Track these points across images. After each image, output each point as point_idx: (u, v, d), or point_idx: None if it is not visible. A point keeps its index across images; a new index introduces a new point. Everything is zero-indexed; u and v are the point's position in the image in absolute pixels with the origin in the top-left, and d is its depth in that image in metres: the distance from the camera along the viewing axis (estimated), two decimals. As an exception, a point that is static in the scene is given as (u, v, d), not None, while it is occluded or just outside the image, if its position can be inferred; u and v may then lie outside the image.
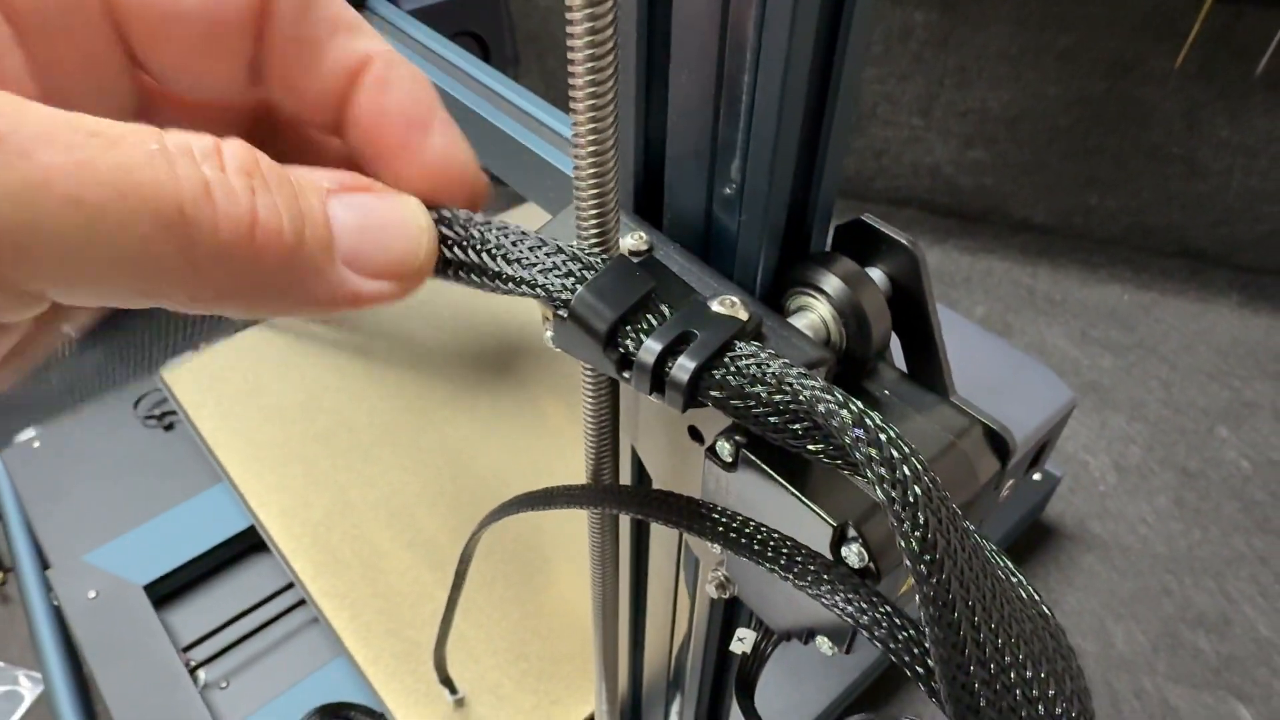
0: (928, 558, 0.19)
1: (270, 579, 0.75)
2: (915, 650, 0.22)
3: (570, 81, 0.21)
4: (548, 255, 0.21)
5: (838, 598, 0.23)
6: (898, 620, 0.22)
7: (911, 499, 0.19)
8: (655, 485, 0.33)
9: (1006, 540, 0.85)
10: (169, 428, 0.85)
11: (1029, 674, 0.20)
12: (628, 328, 0.22)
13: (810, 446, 0.21)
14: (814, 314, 0.26)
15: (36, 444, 0.84)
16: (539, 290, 0.22)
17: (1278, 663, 0.80)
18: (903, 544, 0.19)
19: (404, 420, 0.81)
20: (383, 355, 0.87)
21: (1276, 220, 1.12)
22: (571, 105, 0.21)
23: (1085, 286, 1.17)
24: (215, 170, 0.14)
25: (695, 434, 0.29)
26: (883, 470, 0.19)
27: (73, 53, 0.16)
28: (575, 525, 0.73)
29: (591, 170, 0.22)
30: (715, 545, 0.29)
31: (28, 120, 0.13)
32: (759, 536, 0.25)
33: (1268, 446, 0.98)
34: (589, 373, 0.29)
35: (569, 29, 0.20)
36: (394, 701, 0.63)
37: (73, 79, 0.16)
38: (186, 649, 0.70)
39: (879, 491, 0.19)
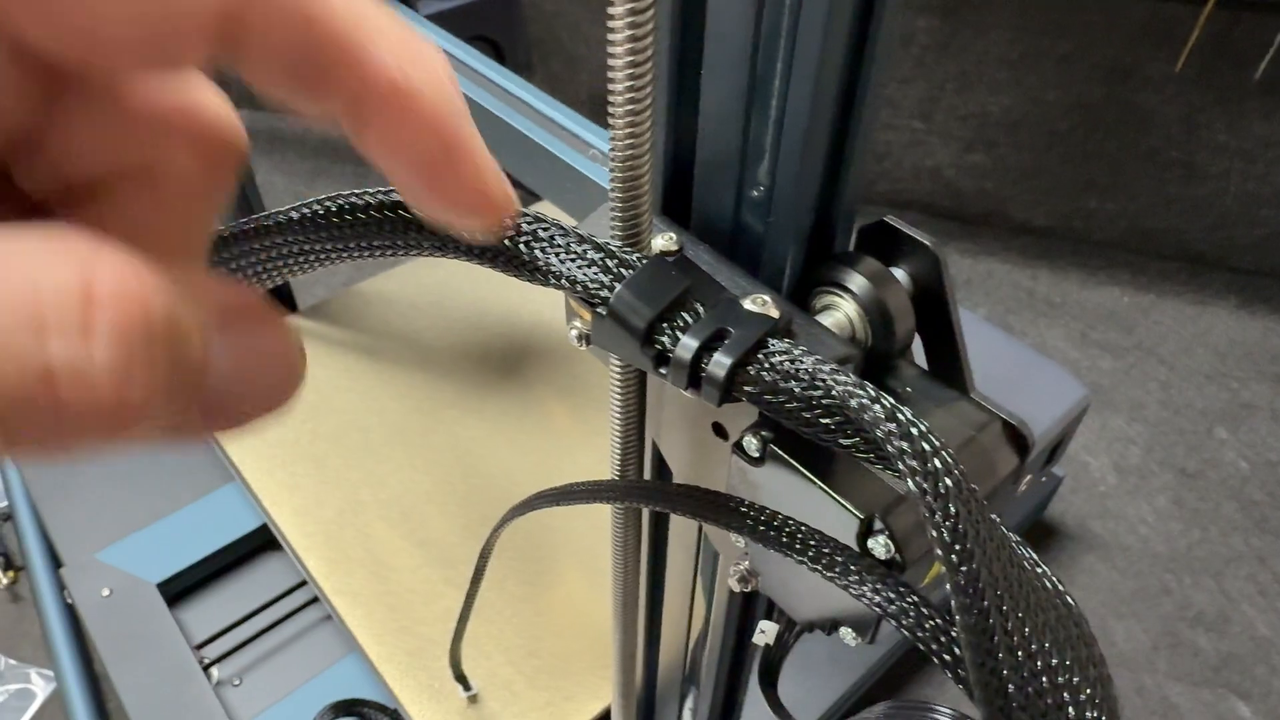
0: (959, 547, 0.19)
1: (282, 577, 0.76)
2: (942, 639, 0.23)
3: (610, 89, 0.22)
4: (587, 252, 0.22)
5: (865, 588, 0.24)
6: (925, 610, 0.23)
7: (943, 490, 0.19)
8: (676, 480, 0.34)
9: (1009, 539, 0.86)
10: (178, 427, 0.86)
11: (1054, 661, 0.21)
12: (665, 325, 0.22)
13: (842, 440, 0.22)
14: (840, 312, 0.27)
15: (46, 443, 0.84)
16: (577, 286, 0.22)
17: (1276, 660, 0.81)
18: (934, 534, 0.19)
19: (414, 420, 0.82)
20: (392, 356, 0.88)
21: (1274, 223, 1.13)
22: (610, 112, 0.22)
23: (1085, 289, 1.18)
24: (72, 344, 0.10)
25: (719, 430, 0.30)
26: (915, 463, 0.19)
27: None
28: (586, 523, 0.74)
29: (627, 174, 0.22)
30: (742, 539, 0.29)
31: None
32: (788, 529, 0.26)
33: (1265, 447, 0.99)
34: (618, 371, 0.29)
35: (610, 37, 0.21)
36: (407, 698, 0.64)
37: None
38: (200, 646, 0.71)
39: (911, 484, 0.20)
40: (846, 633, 0.28)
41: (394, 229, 0.21)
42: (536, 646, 0.67)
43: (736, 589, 0.32)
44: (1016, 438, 0.27)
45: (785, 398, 0.22)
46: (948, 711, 0.25)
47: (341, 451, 0.79)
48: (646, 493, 0.31)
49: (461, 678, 0.62)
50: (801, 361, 0.22)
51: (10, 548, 0.88)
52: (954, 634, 0.22)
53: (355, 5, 0.13)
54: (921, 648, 0.23)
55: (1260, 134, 1.06)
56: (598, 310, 0.22)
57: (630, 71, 0.21)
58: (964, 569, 0.19)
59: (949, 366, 0.28)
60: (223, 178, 0.15)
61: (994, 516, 0.21)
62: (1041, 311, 1.16)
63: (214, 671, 0.70)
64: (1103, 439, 1.00)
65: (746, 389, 0.22)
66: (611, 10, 0.20)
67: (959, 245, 1.24)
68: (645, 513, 0.39)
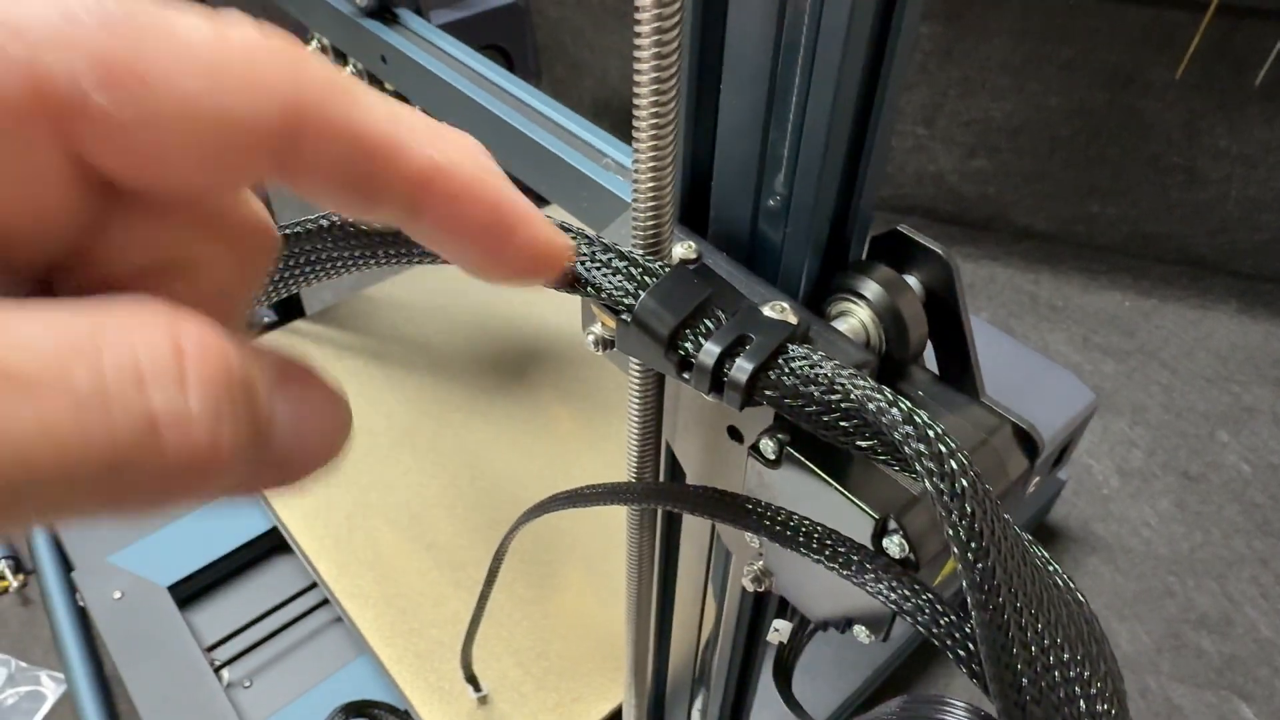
0: (974, 545, 0.20)
1: (293, 579, 0.76)
2: (956, 635, 0.23)
3: (635, 103, 0.22)
4: (612, 260, 0.23)
5: (881, 586, 0.25)
6: (939, 607, 0.24)
7: (959, 490, 0.20)
8: (690, 482, 0.35)
9: (1013, 542, 0.87)
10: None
11: (1066, 656, 0.22)
12: (688, 331, 0.23)
13: (860, 443, 0.23)
14: (855, 319, 0.27)
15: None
16: (602, 294, 0.23)
17: (1279, 662, 0.82)
18: (950, 533, 0.20)
19: (422, 424, 0.83)
20: (400, 360, 0.89)
21: (1274, 228, 1.14)
22: (635, 127, 0.22)
23: (1087, 293, 1.19)
24: (170, 394, 0.11)
25: (734, 433, 0.31)
26: (931, 464, 0.20)
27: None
28: (594, 527, 0.75)
29: (651, 187, 0.23)
30: (758, 539, 0.30)
31: None
32: (804, 529, 0.27)
33: (1267, 450, 1.00)
34: (637, 375, 0.30)
35: (636, 55, 0.21)
36: (418, 699, 0.64)
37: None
38: (210, 649, 0.71)
39: (928, 484, 0.20)
40: (861, 630, 0.29)
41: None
42: (545, 648, 0.68)
43: (751, 589, 0.33)
44: (1026, 441, 0.28)
45: (805, 401, 0.22)
46: (962, 705, 0.25)
47: (350, 455, 0.79)
48: (665, 494, 0.32)
49: (472, 679, 0.62)
50: (821, 367, 0.22)
51: (20, 551, 0.88)
52: (968, 630, 0.23)
53: (389, 109, 0.14)
54: (936, 643, 0.24)
55: (1261, 139, 1.07)
56: (623, 317, 0.23)
57: (655, 89, 0.21)
58: (979, 566, 0.20)
59: (960, 371, 0.29)
60: (259, 270, 0.15)
61: (1007, 516, 0.22)
62: (1044, 315, 1.16)
63: (225, 673, 0.71)
64: (1105, 442, 1.00)
65: (768, 393, 0.23)
66: (638, 30, 0.21)
67: (962, 250, 1.25)
68: (659, 514, 0.40)
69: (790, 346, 0.23)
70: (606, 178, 0.43)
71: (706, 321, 0.23)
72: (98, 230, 0.13)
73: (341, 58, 0.60)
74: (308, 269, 0.24)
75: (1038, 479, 0.31)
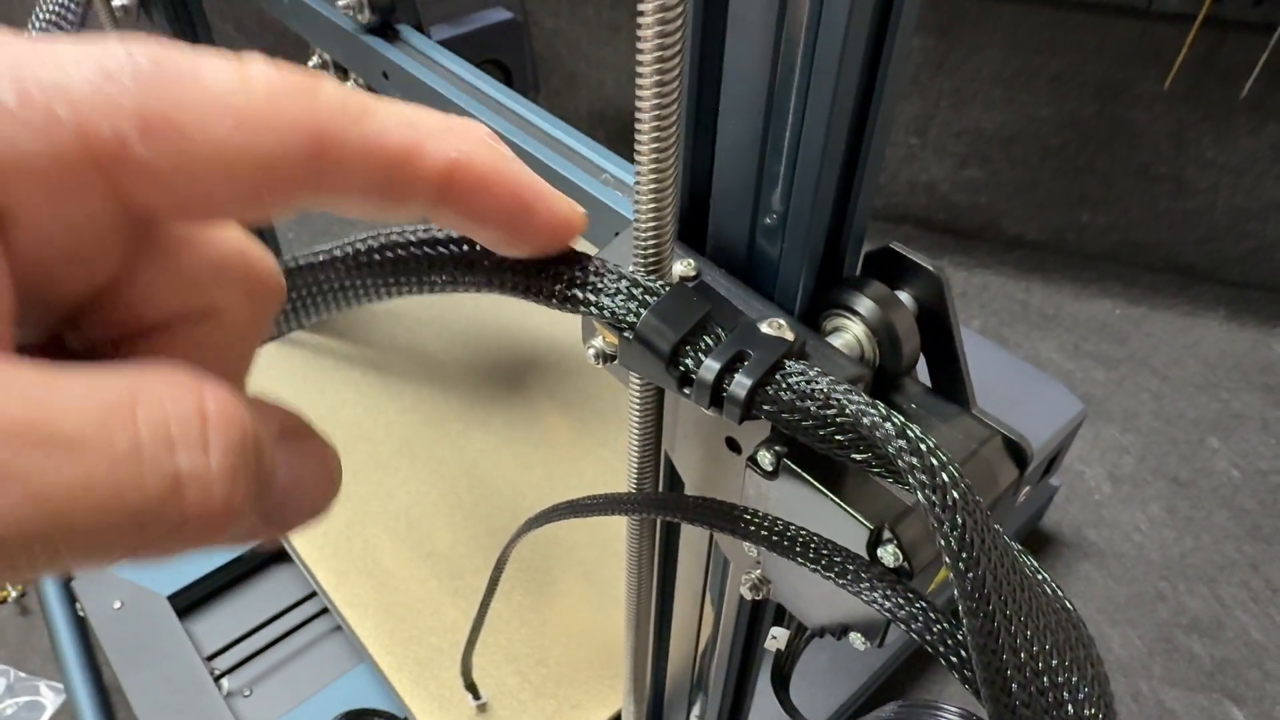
0: (965, 554, 0.21)
1: (292, 588, 0.77)
2: (949, 641, 0.24)
3: (636, 127, 0.23)
4: (613, 282, 0.23)
5: (876, 594, 0.26)
6: (932, 614, 0.25)
7: (950, 502, 0.21)
8: (689, 492, 0.35)
9: (1006, 548, 0.88)
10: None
11: (1055, 661, 0.22)
12: (688, 348, 0.24)
13: (855, 455, 0.23)
14: (849, 334, 0.28)
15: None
16: (605, 313, 0.24)
17: (1269, 665, 0.83)
18: (942, 543, 0.21)
19: (420, 433, 0.83)
20: (398, 370, 0.89)
21: (1261, 237, 1.16)
22: (636, 150, 0.23)
23: (1077, 301, 1.21)
24: (195, 457, 0.12)
25: (733, 445, 0.31)
26: (924, 477, 0.21)
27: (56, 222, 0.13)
28: (593, 535, 0.75)
29: (652, 206, 0.24)
30: (756, 548, 0.31)
31: None
32: (801, 539, 0.27)
33: (1256, 456, 1.01)
34: (638, 388, 0.31)
35: (638, 82, 0.22)
36: (418, 707, 0.65)
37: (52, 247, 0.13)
38: (210, 658, 0.72)
39: (920, 496, 0.21)
40: (856, 637, 0.30)
41: (436, 266, 0.23)
42: (544, 656, 0.68)
43: (748, 597, 0.34)
44: (1016, 451, 0.29)
45: (801, 416, 0.23)
46: (955, 710, 0.26)
47: (349, 464, 0.80)
48: (664, 504, 0.33)
49: (471, 686, 0.63)
50: (816, 382, 0.23)
51: (19, 561, 0.88)
52: (960, 636, 0.24)
53: (402, 115, 0.15)
54: (929, 649, 0.24)
55: (1247, 150, 1.08)
56: (625, 334, 0.24)
57: (657, 112, 0.22)
58: (970, 575, 0.21)
59: (952, 383, 0.30)
60: (268, 316, 0.17)
61: (997, 526, 0.23)
62: (1035, 323, 1.18)
63: (225, 682, 0.71)
64: (1097, 449, 1.01)
65: (766, 408, 0.24)
66: (640, 58, 0.22)
67: (954, 259, 1.26)
68: (658, 524, 0.41)
69: (787, 362, 0.24)
70: (605, 193, 0.44)
71: (706, 338, 0.24)
72: (127, 273, 0.14)
73: (343, 73, 0.61)
74: (308, 305, 0.25)
75: (1028, 488, 0.31)
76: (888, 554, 0.26)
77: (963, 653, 0.24)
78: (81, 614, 0.75)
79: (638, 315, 0.23)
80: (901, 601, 0.25)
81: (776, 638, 0.35)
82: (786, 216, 0.27)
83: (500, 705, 0.65)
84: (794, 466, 0.28)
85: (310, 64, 0.64)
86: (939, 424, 0.29)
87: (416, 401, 0.86)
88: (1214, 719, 0.79)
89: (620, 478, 0.34)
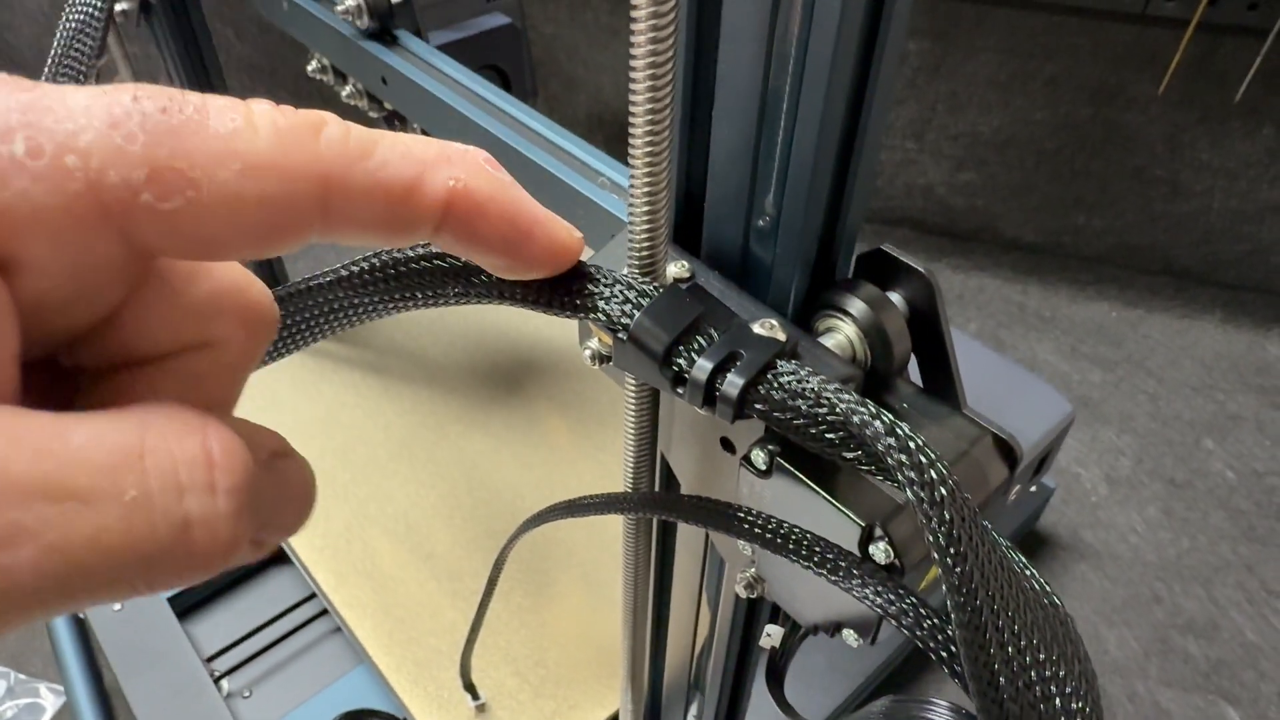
0: (953, 550, 0.21)
1: (292, 590, 0.77)
2: (939, 636, 0.25)
3: (630, 131, 0.24)
4: (607, 285, 0.24)
5: (868, 591, 0.26)
6: (923, 610, 0.25)
7: (939, 499, 0.21)
8: (684, 491, 0.36)
9: (1003, 550, 0.88)
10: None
11: (1042, 655, 0.23)
12: (681, 348, 0.24)
13: (845, 454, 0.24)
14: (841, 335, 0.29)
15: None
16: (600, 315, 0.24)
17: (1264, 666, 0.83)
18: (931, 539, 0.21)
19: (419, 435, 0.84)
20: (397, 372, 0.90)
21: (1256, 239, 1.16)
22: (630, 154, 0.24)
23: (1074, 303, 1.21)
24: (203, 500, 0.12)
25: (727, 444, 0.32)
26: (912, 474, 0.21)
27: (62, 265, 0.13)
28: (590, 535, 0.75)
29: (646, 210, 0.24)
30: (750, 547, 0.31)
31: None
32: (794, 537, 0.28)
33: (1251, 457, 1.01)
34: (633, 389, 0.31)
35: (631, 87, 0.23)
36: (417, 708, 0.65)
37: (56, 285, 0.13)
38: (210, 659, 0.72)
39: (909, 493, 0.21)
40: (849, 634, 0.30)
41: (434, 280, 0.23)
42: (542, 656, 0.68)
43: (743, 595, 0.34)
44: (1006, 451, 0.29)
45: (793, 415, 0.24)
46: (945, 705, 0.27)
47: (349, 466, 0.81)
48: (660, 504, 0.33)
49: (470, 687, 0.63)
50: (808, 382, 0.24)
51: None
52: (950, 632, 0.24)
53: (402, 149, 0.15)
54: (920, 645, 0.25)
55: (1242, 153, 1.09)
56: (619, 336, 0.24)
57: (650, 117, 0.23)
58: (958, 570, 0.21)
59: (943, 384, 0.30)
60: (261, 345, 0.17)
61: (985, 523, 0.23)
62: (1032, 326, 1.18)
63: (225, 684, 0.71)
64: (1093, 450, 1.02)
65: (758, 407, 0.24)
66: (633, 63, 0.22)
67: (951, 261, 1.27)
68: (654, 523, 0.41)
69: (779, 362, 0.24)
70: (602, 196, 0.44)
71: (699, 339, 0.25)
72: (127, 305, 0.15)
73: (341, 78, 0.62)
74: (345, 313, 0.25)
75: (1018, 487, 0.32)
76: (879, 551, 0.27)
77: (952, 648, 0.24)
78: (81, 616, 0.76)
79: (631, 317, 0.24)
80: (892, 598, 0.25)
81: (771, 635, 0.36)
82: (779, 219, 0.28)
83: (499, 706, 0.65)
84: (787, 465, 0.28)
85: (309, 69, 0.64)
86: (929, 423, 0.29)
87: (415, 404, 0.87)
88: (1209, 719, 0.80)
89: (618, 479, 0.35)
